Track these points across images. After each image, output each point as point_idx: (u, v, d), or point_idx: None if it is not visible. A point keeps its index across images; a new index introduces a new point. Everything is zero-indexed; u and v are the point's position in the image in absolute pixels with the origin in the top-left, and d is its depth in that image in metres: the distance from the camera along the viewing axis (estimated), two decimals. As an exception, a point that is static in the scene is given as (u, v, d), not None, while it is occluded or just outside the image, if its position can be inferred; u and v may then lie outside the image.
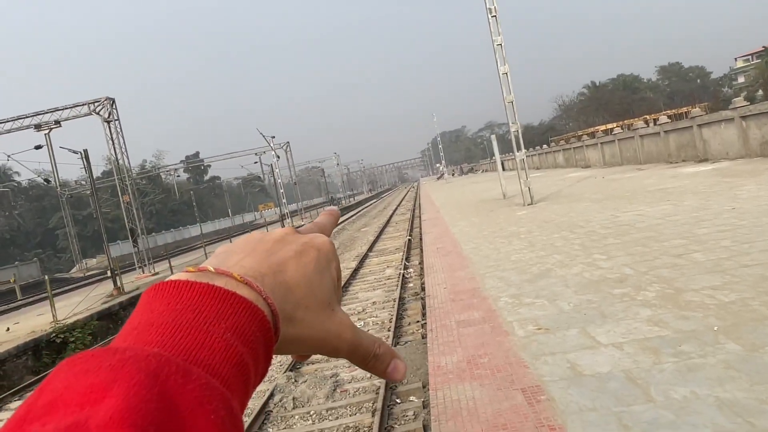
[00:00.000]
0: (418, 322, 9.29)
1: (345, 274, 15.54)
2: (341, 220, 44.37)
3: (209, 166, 79.82)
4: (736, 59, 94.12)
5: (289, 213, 54.58)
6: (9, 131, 26.95)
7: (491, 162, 55.43)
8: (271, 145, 53.37)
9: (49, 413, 0.27)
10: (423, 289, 10.11)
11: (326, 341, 0.46)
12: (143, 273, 25.55)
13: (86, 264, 45.01)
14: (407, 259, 15.97)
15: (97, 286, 23.14)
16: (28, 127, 26.85)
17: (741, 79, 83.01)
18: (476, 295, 7.89)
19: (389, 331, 9.01)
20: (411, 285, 12.36)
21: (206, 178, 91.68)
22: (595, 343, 5.18)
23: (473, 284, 8.62)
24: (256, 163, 59.42)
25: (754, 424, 3.35)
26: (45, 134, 26.97)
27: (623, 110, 73.20)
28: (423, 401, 6.19)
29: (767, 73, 64.53)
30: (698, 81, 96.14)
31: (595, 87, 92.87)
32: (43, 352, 13.61)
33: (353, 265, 16.96)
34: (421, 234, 18.63)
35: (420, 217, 25.66)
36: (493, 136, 27.75)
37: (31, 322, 16.55)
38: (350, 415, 6.39)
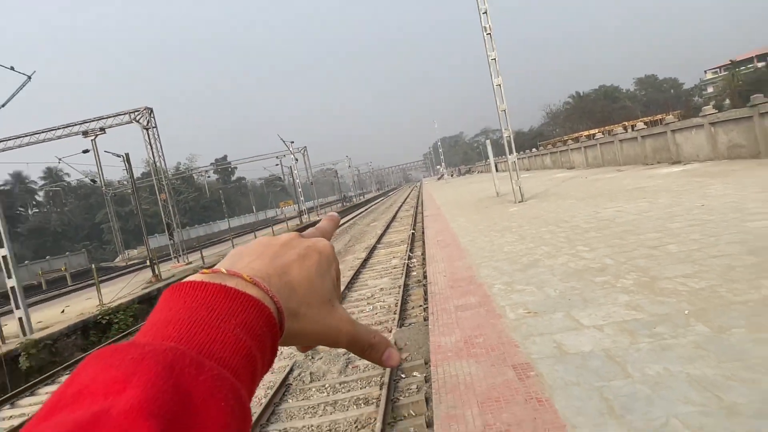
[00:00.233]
0: (420, 306, 9.31)
1: (356, 263, 15.59)
2: (351, 216, 44.48)
3: (236, 167, 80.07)
4: (705, 71, 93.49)
5: (306, 209, 54.69)
6: (60, 137, 27.14)
7: (486, 164, 55.35)
8: (291, 149, 53.57)
9: (77, 401, 0.28)
10: (425, 276, 10.12)
11: (327, 334, 0.47)
12: (178, 262, 25.67)
13: (128, 254, 45.28)
14: (411, 250, 15.97)
15: (137, 274, 23.27)
16: (76, 133, 27.05)
17: (710, 90, 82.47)
18: (473, 283, 7.89)
19: (395, 314, 9.03)
20: (414, 273, 12.38)
21: (233, 178, 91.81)
22: (579, 325, 5.18)
23: (470, 273, 8.62)
24: (277, 165, 59.78)
25: (722, 398, 3.34)
26: (91, 140, 27.22)
27: (604, 117, 72.95)
28: (425, 376, 6.21)
29: (733, 84, 64.20)
30: (672, 91, 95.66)
31: (579, 97, 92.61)
32: (91, 332, 13.71)
33: (363, 255, 16.98)
34: (423, 228, 18.63)
35: (422, 213, 25.66)
36: (487, 141, 27.68)
37: (80, 306, 16.67)
38: (360, 388, 6.41)
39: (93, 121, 26.91)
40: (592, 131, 47.71)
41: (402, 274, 12.36)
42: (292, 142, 53.66)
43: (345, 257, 18.53)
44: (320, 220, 0.65)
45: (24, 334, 12.53)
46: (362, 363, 7.16)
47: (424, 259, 12.72)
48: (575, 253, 8.39)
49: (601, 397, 3.69)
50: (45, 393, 9.46)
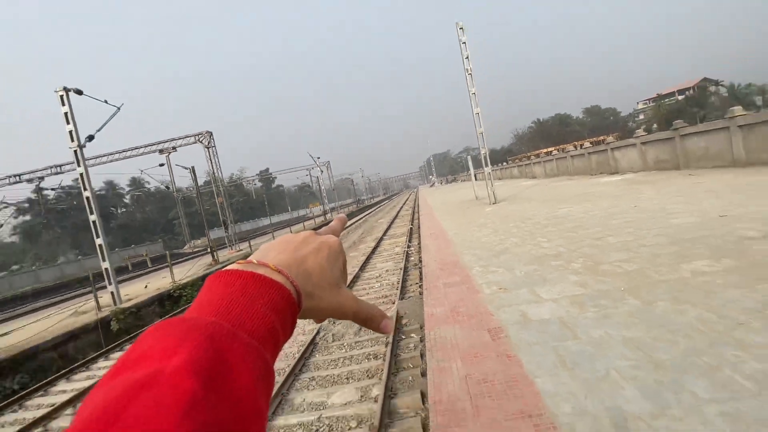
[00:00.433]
0: (417, 283, 9.29)
1: (368, 251, 15.58)
2: (364, 214, 44.46)
3: (275, 177, 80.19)
4: (638, 103, 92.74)
5: (329, 209, 54.91)
6: (142, 154, 27.30)
7: (467, 174, 55.09)
8: (317, 163, 53.66)
9: (138, 364, 0.29)
10: (420, 261, 10.11)
11: (335, 309, 0.48)
12: (231, 250, 25.76)
13: (193, 243, 45.46)
14: (409, 241, 15.96)
15: (200, 258, 23.40)
16: (154, 151, 27.17)
17: (641, 117, 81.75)
18: (457, 266, 7.88)
19: (397, 289, 9.03)
20: (412, 259, 12.36)
21: (273, 185, 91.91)
22: (539, 298, 5.16)
23: (455, 258, 8.60)
24: (307, 175, 59.85)
25: (650, 355, 3.32)
26: (166, 156, 27.33)
27: (559, 138, 72.62)
28: (420, 338, 6.21)
29: (659, 113, 63.85)
30: (611, 118, 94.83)
31: (539, 122, 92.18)
32: (165, 302, 13.81)
33: (373, 245, 16.97)
34: (419, 224, 18.61)
35: (418, 212, 25.62)
36: (469, 157, 27.67)
37: (158, 283, 16.78)
38: (371, 346, 6.43)
39: (166, 141, 27.06)
40: (549, 149, 47.35)
41: (403, 259, 12.35)
42: (319, 158, 53.80)
43: (359, 246, 18.54)
44: (333, 219, 0.65)
45: (115, 304, 12.62)
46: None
47: (419, 247, 12.71)
48: (536, 243, 8.36)
49: (556, 354, 3.67)
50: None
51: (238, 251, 24.42)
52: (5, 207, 31.92)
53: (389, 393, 4.77)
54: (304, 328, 7.86)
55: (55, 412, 6.46)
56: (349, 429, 4.35)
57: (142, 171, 31.05)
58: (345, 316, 0.49)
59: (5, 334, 11.58)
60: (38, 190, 30.79)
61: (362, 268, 12.49)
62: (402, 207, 42.00)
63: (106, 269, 12.87)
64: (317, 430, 4.46)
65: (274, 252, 0.47)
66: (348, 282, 0.73)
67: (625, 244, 6.83)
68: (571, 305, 4.69)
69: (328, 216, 46.89)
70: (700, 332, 3.50)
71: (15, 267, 46.46)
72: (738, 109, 14.14)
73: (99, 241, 12.81)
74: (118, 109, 14.42)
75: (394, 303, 8.15)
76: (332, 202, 70.25)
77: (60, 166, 27.29)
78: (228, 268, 0.41)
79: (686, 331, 3.56)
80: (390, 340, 6.13)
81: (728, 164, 14.41)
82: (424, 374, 4.95)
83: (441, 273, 7.59)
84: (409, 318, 7.15)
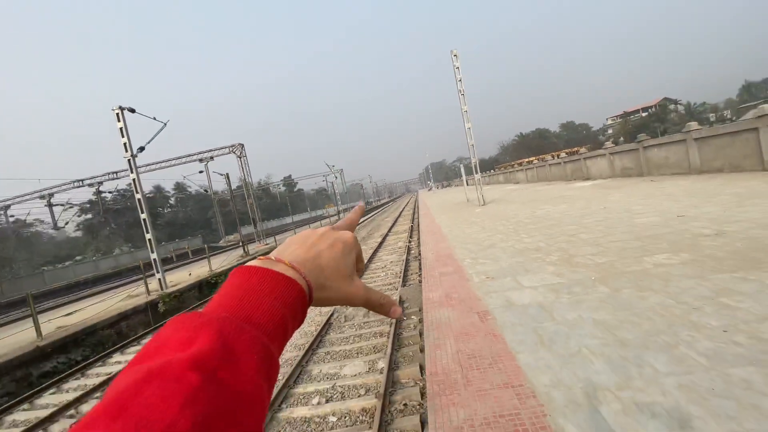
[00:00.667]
0: (416, 273, 9.27)
1: (374, 245, 15.57)
2: (372, 213, 44.41)
3: (297, 182, 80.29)
4: (607, 119, 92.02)
5: (342, 210, 55.04)
6: (184, 162, 27.54)
7: (460, 180, 54.87)
8: (332, 170, 53.74)
9: (156, 355, 0.29)
10: (420, 254, 10.08)
11: (346, 298, 0.46)
12: (259, 243, 25.84)
13: (227, 238, 45.62)
14: (410, 237, 15.93)
15: (233, 251, 23.50)
16: (194, 160, 27.37)
17: (610, 131, 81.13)
18: (450, 258, 7.85)
19: (400, 278, 9.00)
20: (413, 252, 12.33)
21: (295, 189, 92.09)
22: (521, 286, 5.13)
23: (449, 251, 8.57)
24: (323, 180, 59.92)
25: (616, 334, 3.29)
26: (204, 164, 27.48)
27: (539, 150, 72.07)
28: (419, 318, 6.19)
29: (626, 127, 63.26)
30: (584, 132, 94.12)
31: (522, 136, 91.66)
32: (203, 288, 13.88)
33: (379, 240, 16.94)
34: (418, 223, 18.56)
35: (418, 212, 25.55)
36: (461, 165, 27.59)
37: (198, 271, 16.87)
38: (377, 326, 6.42)
39: (205, 152, 27.24)
40: (531, 159, 46.97)
41: (405, 252, 12.32)
42: (333, 166, 53.97)
43: (368, 241, 18.52)
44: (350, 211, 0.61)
45: (161, 289, 12.71)
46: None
47: (419, 242, 12.68)
48: (519, 238, 8.31)
49: (536, 333, 3.65)
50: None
51: (265, 245, 24.50)
52: (70, 207, 32.26)
53: (393, 366, 4.77)
54: (321, 310, 7.87)
55: (111, 379, 6.52)
56: (358, 396, 4.35)
57: (184, 177, 31.38)
58: (355, 303, 0.48)
59: (70, 314, 11.71)
60: (98, 192, 31.08)
61: (370, 260, 12.48)
62: (404, 208, 41.93)
63: (154, 260, 12.97)
64: (332, 396, 4.46)
65: (292, 247, 0.46)
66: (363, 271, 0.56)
67: (595, 239, 6.77)
68: (548, 292, 4.66)
69: (341, 215, 46.93)
70: (660, 315, 3.46)
71: (78, 258, 47.01)
72: (694, 125, 13.99)
73: (148, 235, 12.91)
74: (165, 124, 14.52)
75: (397, 289, 8.14)
76: (344, 204, 70.22)
77: (116, 172, 27.56)
78: (249, 263, 0.40)
79: (648, 315, 3.52)
80: (394, 321, 6.12)
81: (685, 171, 14.25)
82: (422, 350, 4.93)
83: (437, 264, 7.57)
84: (409, 302, 7.14)
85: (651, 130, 52.42)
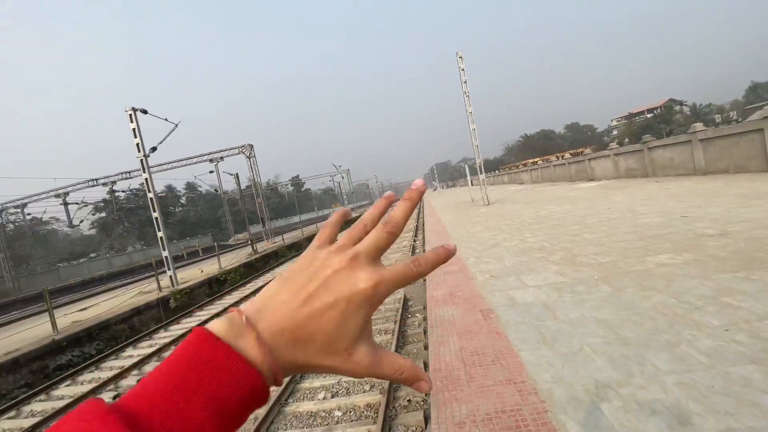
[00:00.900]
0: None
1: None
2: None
3: (304, 182, 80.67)
4: (612, 120, 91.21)
5: (349, 209, 55.25)
6: (195, 163, 27.76)
7: (465, 180, 54.72)
8: (339, 171, 53.87)
9: None
10: (424, 252, 10.06)
11: (337, 373, 0.34)
12: (267, 242, 25.99)
13: (236, 237, 45.97)
14: (415, 235, 15.93)
15: (242, 249, 23.66)
16: (204, 160, 27.58)
17: (615, 132, 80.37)
18: (455, 257, 7.83)
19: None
20: (418, 251, 12.35)
21: (303, 189, 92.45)
22: (524, 285, 5.12)
23: (453, 250, 8.55)
24: (330, 180, 60.20)
25: (618, 333, 3.28)
26: (215, 164, 27.71)
27: (544, 150, 71.55)
28: (423, 317, 6.20)
29: (630, 128, 62.64)
30: (589, 133, 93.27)
31: (527, 137, 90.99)
32: (213, 285, 14.01)
33: (385, 239, 16.96)
34: (423, 222, 18.56)
35: (423, 212, 25.52)
36: (466, 165, 27.56)
37: (208, 269, 17.01)
38: (382, 323, 6.43)
39: (215, 153, 27.45)
40: (535, 159, 46.73)
41: (410, 250, 12.33)
42: (340, 166, 54.21)
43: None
44: (373, 205, 0.41)
45: (173, 285, 12.86)
46: (383, 306, 7.15)
47: (423, 241, 12.68)
48: (523, 238, 8.28)
49: (538, 331, 3.65)
50: (186, 322, 9.67)
51: (273, 243, 24.65)
52: (85, 205, 32.71)
53: (397, 362, 4.78)
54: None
55: (125, 372, 6.62)
56: (363, 392, 4.38)
57: (195, 177, 31.82)
58: (357, 378, 0.35)
59: (84, 309, 11.90)
60: (111, 192, 31.47)
61: (376, 258, 12.50)
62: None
63: (166, 257, 13.13)
64: (337, 391, 4.50)
65: (279, 298, 0.33)
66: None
67: (599, 239, 6.73)
68: (551, 291, 4.65)
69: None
70: (662, 314, 3.45)
71: (92, 255, 47.69)
72: (699, 126, 13.82)
73: (160, 234, 13.07)
74: (176, 125, 14.68)
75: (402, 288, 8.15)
76: (351, 203, 70.51)
77: (129, 172, 27.88)
78: (212, 329, 0.30)
79: (650, 314, 3.50)
80: (398, 318, 6.14)
81: (690, 172, 14.08)
82: (426, 347, 4.95)
83: (442, 263, 7.55)
84: (414, 300, 7.15)
85: (656, 132, 51.88)
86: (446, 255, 0.37)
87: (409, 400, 3.99)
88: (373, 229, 0.37)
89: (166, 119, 14.37)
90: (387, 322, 6.43)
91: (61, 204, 29.70)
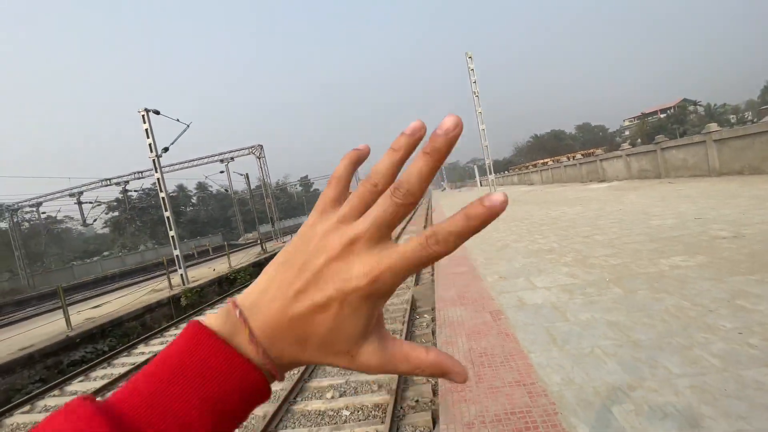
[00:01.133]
0: (429, 272, 9.26)
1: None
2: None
3: (313, 182, 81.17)
4: (624, 120, 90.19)
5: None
6: (206, 163, 28.06)
7: (474, 181, 54.46)
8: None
9: None
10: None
11: (346, 368, 0.29)
12: (276, 241, 26.21)
13: (246, 236, 46.37)
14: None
15: (252, 248, 23.87)
16: (215, 161, 27.87)
17: (627, 132, 79.38)
18: (464, 258, 7.82)
19: (412, 276, 9.02)
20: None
21: (311, 189, 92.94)
22: (534, 286, 5.09)
23: (462, 252, 8.53)
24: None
25: (629, 335, 3.25)
26: (225, 164, 28.03)
27: (554, 151, 70.88)
28: (432, 317, 6.19)
29: (643, 129, 61.73)
30: (600, 134, 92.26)
31: (537, 137, 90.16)
32: (223, 283, 14.16)
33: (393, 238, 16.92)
34: (432, 222, 18.49)
35: (432, 212, 25.48)
36: (475, 166, 27.53)
37: (218, 268, 17.19)
38: (390, 324, 6.43)
39: (226, 153, 27.74)
40: (545, 160, 46.32)
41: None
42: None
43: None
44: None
45: (183, 284, 13.02)
46: (391, 306, 7.16)
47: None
48: (533, 239, 8.23)
49: (548, 333, 3.63)
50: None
51: (282, 242, 24.83)
52: (98, 204, 33.30)
53: (405, 362, 4.78)
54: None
55: (137, 368, 6.73)
56: (371, 391, 4.40)
57: (206, 177, 32.13)
58: (368, 374, 0.31)
59: (97, 306, 12.11)
60: (124, 191, 31.99)
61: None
62: (418, 208, 41.81)
63: (177, 256, 13.30)
64: (345, 391, 4.52)
65: (270, 291, 0.28)
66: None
67: (610, 241, 6.66)
68: (562, 292, 4.62)
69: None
70: (674, 317, 3.40)
71: (106, 253, 48.55)
72: (714, 126, 13.59)
73: (171, 233, 13.26)
74: (187, 126, 14.88)
75: (410, 288, 8.16)
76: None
77: (141, 172, 28.30)
78: (206, 322, 0.28)
79: (662, 316, 3.46)
80: (406, 318, 6.14)
81: (704, 174, 13.84)
82: (434, 347, 4.94)
83: (450, 263, 7.55)
84: (422, 301, 7.15)
85: (669, 132, 51.05)
86: (486, 215, 0.24)
87: (417, 401, 3.99)
88: (381, 197, 0.27)
89: (177, 120, 14.58)
90: (395, 322, 6.43)
91: (75, 203, 30.28)
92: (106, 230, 54.79)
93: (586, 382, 2.73)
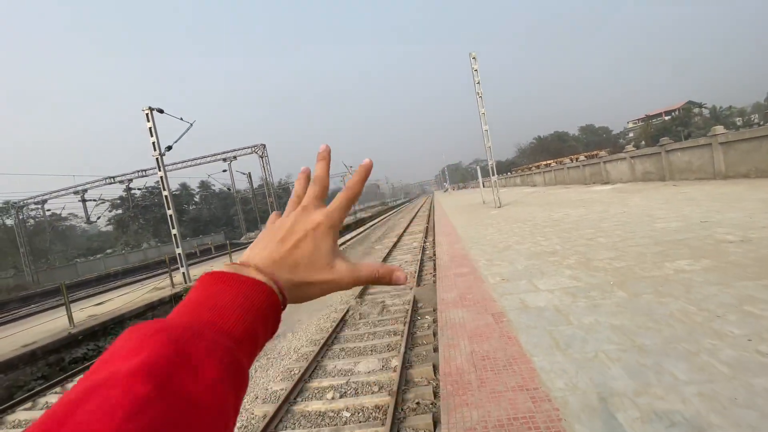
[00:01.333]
0: (431, 273, 9.22)
1: (389, 244, 15.55)
2: (388, 213, 44.34)
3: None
4: (628, 122, 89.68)
5: (358, 209, 55.47)
6: (209, 162, 28.13)
7: (476, 182, 54.29)
8: (350, 171, 54.09)
9: (105, 366, 0.26)
10: (434, 254, 10.02)
11: (332, 287, 0.42)
12: (279, 241, 26.25)
13: (248, 235, 46.43)
14: (426, 237, 15.85)
15: (253, 248, 23.80)
16: (218, 159, 27.93)
17: (631, 134, 78.99)
18: (466, 259, 7.77)
19: (414, 278, 8.96)
20: (428, 252, 12.28)
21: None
22: (536, 289, 5.03)
23: (464, 252, 8.49)
24: (341, 181, 60.48)
25: (634, 340, 3.19)
26: (228, 163, 28.04)
27: (557, 153, 70.55)
28: (433, 319, 6.14)
29: (647, 131, 61.41)
30: (604, 135, 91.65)
31: (540, 138, 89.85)
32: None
33: (395, 240, 16.93)
34: (433, 223, 18.46)
35: (433, 213, 25.41)
36: (478, 167, 27.32)
37: (220, 266, 17.19)
38: (392, 324, 6.40)
39: (229, 152, 27.78)
40: (548, 161, 46.07)
41: (420, 252, 12.26)
42: (351, 166, 54.30)
43: (383, 240, 18.54)
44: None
45: (185, 282, 13.03)
46: (393, 307, 7.14)
47: (434, 243, 12.60)
48: (535, 241, 8.16)
49: (551, 336, 3.58)
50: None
51: (284, 242, 24.86)
52: (102, 202, 33.44)
53: (406, 364, 4.75)
54: (336, 307, 7.91)
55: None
56: (372, 393, 4.36)
57: (209, 176, 32.21)
58: (344, 288, 0.42)
59: (100, 303, 12.14)
60: (128, 189, 32.11)
61: (385, 259, 12.48)
62: (420, 209, 41.75)
63: (179, 254, 13.31)
64: (346, 392, 4.48)
65: (259, 247, 0.41)
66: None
67: (614, 244, 6.59)
68: (565, 295, 4.56)
69: (358, 215, 47.07)
70: (680, 322, 3.34)
71: (109, 251, 48.73)
72: (720, 128, 13.47)
73: (174, 231, 13.26)
74: (191, 125, 14.88)
75: (411, 289, 8.11)
76: (361, 204, 70.81)
77: (145, 170, 28.41)
78: (217, 269, 0.37)
79: (668, 321, 3.40)
80: (407, 320, 6.10)
81: (710, 176, 13.73)
82: (435, 350, 4.90)
83: (452, 265, 7.51)
84: (424, 302, 7.10)
85: (674, 134, 50.74)
86: (364, 169, 0.46)
87: (417, 403, 3.95)
88: (308, 187, 0.48)
89: (181, 118, 14.58)
90: (396, 323, 6.40)
91: (79, 201, 30.42)
92: (110, 228, 54.98)
93: (590, 387, 2.68)
